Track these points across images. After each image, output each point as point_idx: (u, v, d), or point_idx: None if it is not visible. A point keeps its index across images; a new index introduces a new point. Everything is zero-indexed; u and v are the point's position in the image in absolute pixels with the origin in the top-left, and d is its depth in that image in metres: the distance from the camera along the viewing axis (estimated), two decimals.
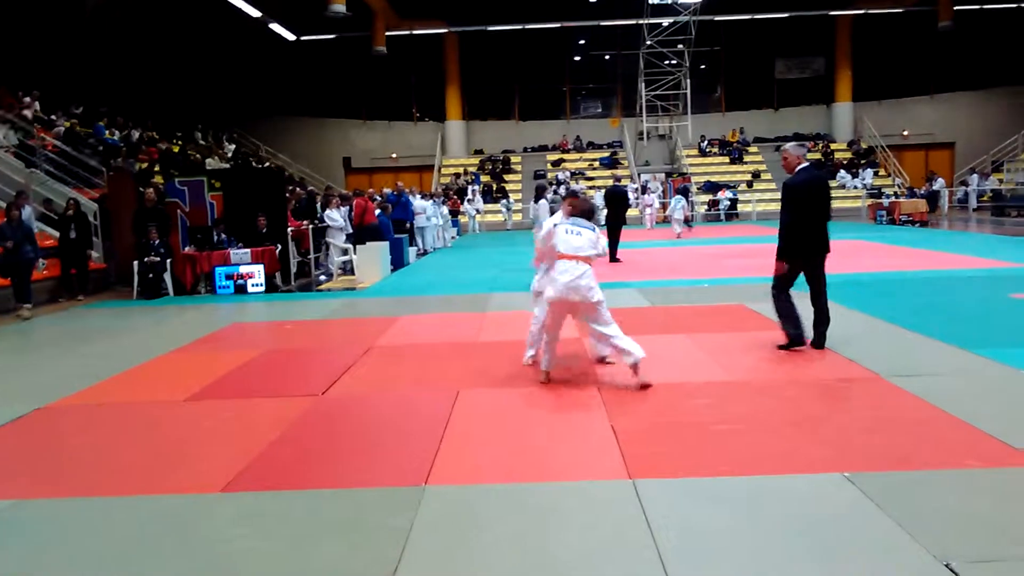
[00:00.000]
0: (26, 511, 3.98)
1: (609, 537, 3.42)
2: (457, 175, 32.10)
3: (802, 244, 6.65)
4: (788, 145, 7.15)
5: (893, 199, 24.77)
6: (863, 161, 31.79)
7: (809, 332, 6.78)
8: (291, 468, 4.45)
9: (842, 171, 30.97)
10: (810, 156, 31.47)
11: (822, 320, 6.75)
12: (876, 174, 30.86)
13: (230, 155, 27.83)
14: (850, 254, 14.87)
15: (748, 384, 5.80)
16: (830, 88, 33.87)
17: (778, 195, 28.17)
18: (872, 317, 8.06)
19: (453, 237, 24.31)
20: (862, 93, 33.36)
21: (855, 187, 30.09)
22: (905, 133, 32.99)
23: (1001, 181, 27.65)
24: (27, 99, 19.47)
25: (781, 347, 6.80)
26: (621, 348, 5.78)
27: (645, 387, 5.69)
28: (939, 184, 27.72)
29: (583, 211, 6.13)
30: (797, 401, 5.29)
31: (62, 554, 3.47)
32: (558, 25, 32.61)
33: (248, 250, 12.78)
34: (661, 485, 3.94)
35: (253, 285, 12.54)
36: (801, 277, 6.74)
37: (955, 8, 28.56)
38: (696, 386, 5.77)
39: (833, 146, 32.95)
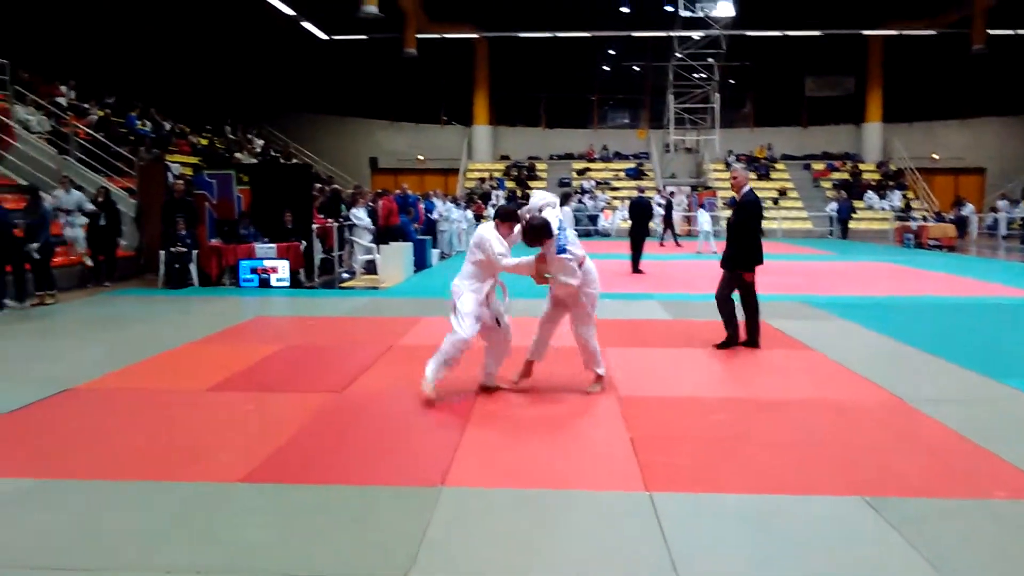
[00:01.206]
0: (48, 491, 4.04)
1: (624, 548, 3.41)
2: (482, 179, 32.16)
3: (759, 254, 7.51)
4: (737, 165, 7.96)
5: (921, 223, 24.54)
6: (891, 183, 31.52)
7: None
8: (309, 462, 4.47)
9: (870, 192, 30.70)
10: (838, 176, 31.55)
11: (755, 321, 7.56)
12: (904, 197, 30.57)
13: (258, 150, 28.05)
14: (876, 277, 14.76)
15: (768, 402, 5.76)
16: (860, 108, 33.62)
17: (805, 213, 27.84)
18: (897, 341, 7.97)
19: None
20: (893, 114, 33.09)
21: (883, 209, 29.82)
22: (935, 156, 32.67)
23: None
24: (62, 87, 19.77)
25: (718, 346, 7.48)
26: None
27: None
28: (968, 210, 27.40)
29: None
30: (818, 421, 5.25)
31: (81, 535, 3.52)
32: (589, 34, 32.61)
33: (274, 245, 12.88)
34: (678, 499, 3.92)
35: (277, 280, 12.64)
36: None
37: (988, 32, 28.25)
38: (716, 401, 5.74)
39: (861, 167, 32.70)
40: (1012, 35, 29.08)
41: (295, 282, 12.84)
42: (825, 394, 5.97)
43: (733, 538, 3.50)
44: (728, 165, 32.75)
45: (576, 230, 12.22)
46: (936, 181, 32.20)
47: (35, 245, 10.46)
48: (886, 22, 30.95)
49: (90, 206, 11.73)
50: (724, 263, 7.59)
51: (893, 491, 4.00)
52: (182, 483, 4.12)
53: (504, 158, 34.36)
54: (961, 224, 25.27)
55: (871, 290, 12.49)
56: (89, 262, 12.25)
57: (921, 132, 32.97)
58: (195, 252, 12.81)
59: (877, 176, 32.24)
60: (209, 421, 5.28)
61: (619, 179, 32.38)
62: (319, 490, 4.05)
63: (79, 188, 14.36)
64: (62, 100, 19.10)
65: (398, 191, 19.69)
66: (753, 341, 7.53)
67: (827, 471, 4.30)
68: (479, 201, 28.46)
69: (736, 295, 7.57)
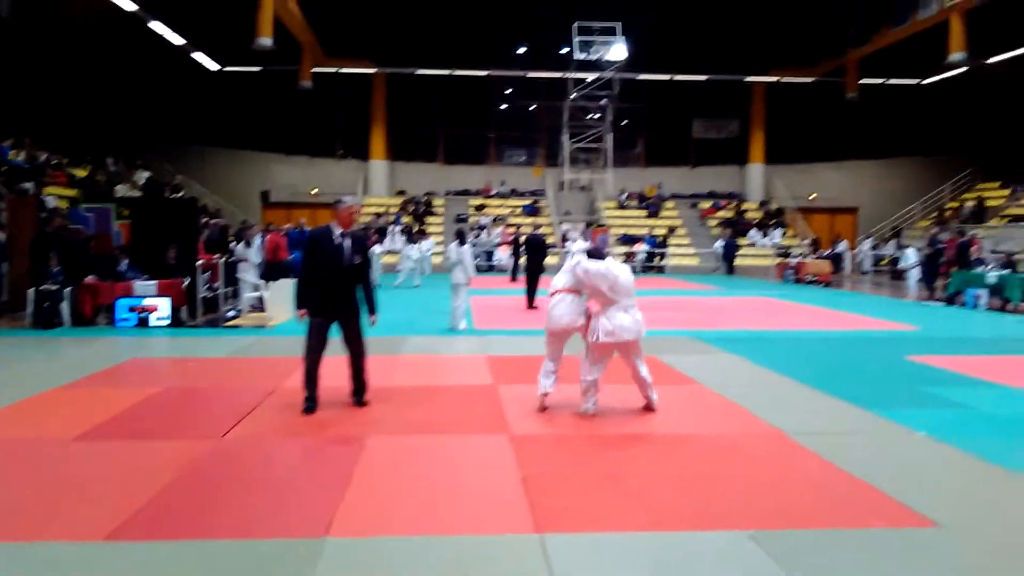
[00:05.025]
0: None
1: None
2: (378, 214, 31.87)
3: None
4: (348, 199, 6.94)
5: (800, 259, 25.79)
6: (773, 221, 33.06)
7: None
8: (182, 516, 4.21)
9: (753, 230, 32.10)
10: (723, 215, 32.88)
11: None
12: (784, 234, 32.11)
13: (142, 183, 26.94)
14: (759, 311, 15.33)
15: (658, 437, 5.84)
16: (744, 150, 35.23)
17: (692, 250, 28.53)
18: (778, 374, 8.26)
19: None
20: (774, 156, 34.83)
21: (764, 246, 31.20)
22: (812, 196, 34.52)
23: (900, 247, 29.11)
24: None
25: (306, 411, 6.46)
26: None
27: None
28: (842, 247, 29.00)
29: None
30: (705, 455, 5.34)
31: None
32: (485, 73, 33.07)
33: (154, 282, 12.29)
34: (568, 540, 3.89)
35: (157, 318, 12.03)
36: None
37: (860, 81, 30.33)
38: (607, 438, 5.77)
39: (745, 205, 34.17)
40: (882, 84, 31.28)
41: (177, 321, 12.26)
42: (711, 429, 6.10)
43: None
44: (620, 204, 33.66)
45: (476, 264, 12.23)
46: (814, 219, 33.98)
47: None
48: (768, 69, 32.73)
49: None
50: (333, 311, 6.60)
51: (775, 524, 4.09)
52: (39, 543, 3.80)
53: (401, 193, 34.18)
54: (836, 260, 26.71)
55: (755, 324, 12.95)
56: None
57: (800, 173, 34.81)
58: (67, 290, 12.09)
59: (760, 214, 33.76)
60: (74, 474, 4.91)
61: (516, 215, 32.68)
62: (191, 546, 3.81)
63: None
64: None
65: (291, 225, 19.25)
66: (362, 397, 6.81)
67: (715, 506, 4.37)
68: (375, 236, 28.11)
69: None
